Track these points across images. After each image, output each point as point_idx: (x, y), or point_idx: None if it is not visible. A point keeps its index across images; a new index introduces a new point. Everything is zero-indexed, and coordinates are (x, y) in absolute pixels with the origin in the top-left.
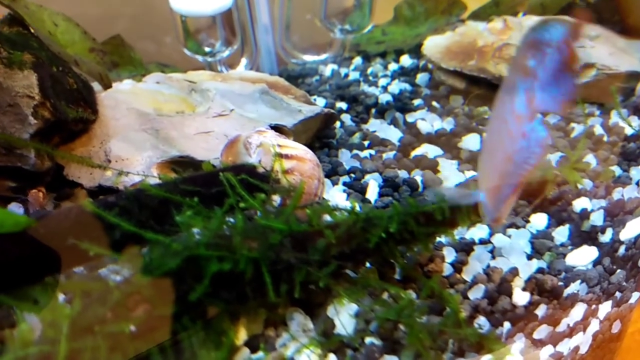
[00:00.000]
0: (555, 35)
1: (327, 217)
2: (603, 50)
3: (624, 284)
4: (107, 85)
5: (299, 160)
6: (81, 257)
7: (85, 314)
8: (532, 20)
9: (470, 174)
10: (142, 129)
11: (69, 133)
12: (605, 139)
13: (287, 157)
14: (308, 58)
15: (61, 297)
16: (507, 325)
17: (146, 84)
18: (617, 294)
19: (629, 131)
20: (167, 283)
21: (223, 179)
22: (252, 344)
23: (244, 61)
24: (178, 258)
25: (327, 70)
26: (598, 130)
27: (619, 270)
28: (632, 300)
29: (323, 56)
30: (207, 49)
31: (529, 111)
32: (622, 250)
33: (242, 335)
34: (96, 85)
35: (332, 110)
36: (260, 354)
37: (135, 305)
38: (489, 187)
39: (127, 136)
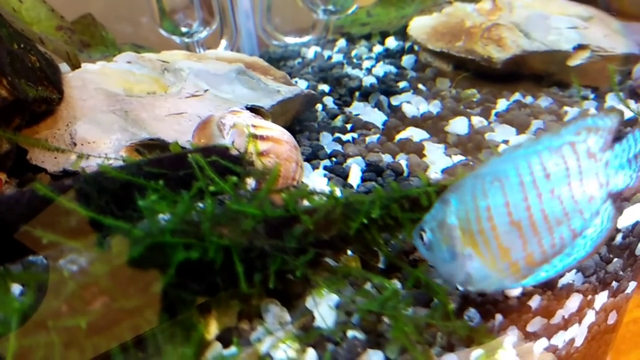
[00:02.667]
0: None
1: (305, 203)
2: (597, 32)
3: (621, 273)
4: (75, 65)
5: (275, 142)
6: (36, 245)
7: (37, 308)
8: (523, 0)
9: (457, 158)
10: (111, 110)
11: (32, 115)
12: None
13: (262, 138)
14: (290, 40)
15: (17, 288)
16: (498, 317)
17: (116, 64)
18: (614, 284)
19: (625, 115)
20: (128, 273)
21: (192, 160)
22: (224, 338)
23: (223, 43)
24: (140, 246)
25: (310, 52)
26: (593, 114)
27: (615, 259)
28: (628, 290)
29: (306, 38)
30: (183, 30)
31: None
32: (619, 238)
33: (213, 329)
34: (66, 67)
35: (313, 92)
36: (233, 348)
37: (92, 298)
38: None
39: (95, 118)
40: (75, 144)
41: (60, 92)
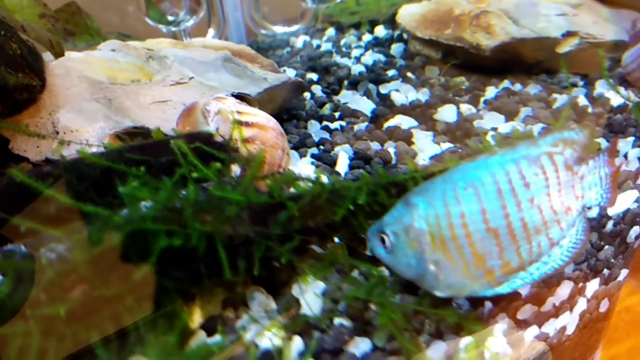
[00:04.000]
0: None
1: (291, 190)
2: (586, 19)
3: (612, 260)
4: (58, 54)
5: (261, 129)
6: (14, 233)
7: (14, 296)
8: None
9: (446, 145)
10: (94, 99)
11: (14, 103)
12: (589, 110)
13: (247, 124)
14: (279, 29)
15: None
16: (488, 304)
17: (100, 52)
18: (605, 271)
19: (614, 102)
20: (109, 261)
21: (174, 147)
22: (209, 327)
23: (211, 32)
24: (121, 233)
25: (299, 41)
26: (582, 101)
27: (607, 247)
28: (620, 278)
29: (294, 27)
30: (170, 18)
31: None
32: (610, 225)
33: (197, 318)
34: (50, 56)
35: (301, 79)
36: (217, 337)
37: (71, 286)
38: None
39: (78, 106)
40: (57, 133)
41: (42, 79)
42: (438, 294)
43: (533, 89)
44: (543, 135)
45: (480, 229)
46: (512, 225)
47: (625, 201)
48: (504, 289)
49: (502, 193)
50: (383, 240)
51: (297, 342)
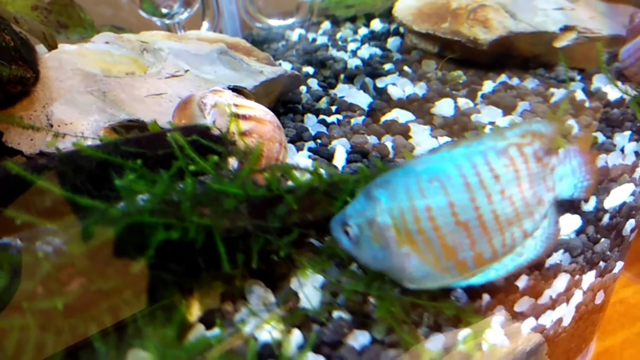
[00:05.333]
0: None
1: (289, 183)
2: (584, 14)
3: (608, 253)
4: (51, 46)
5: (258, 122)
6: (9, 226)
7: (11, 289)
8: None
9: (443, 139)
10: (88, 91)
11: (7, 96)
12: (587, 104)
13: (244, 117)
14: (274, 23)
15: None
16: (486, 297)
17: (94, 44)
18: (601, 264)
19: (611, 97)
20: (106, 254)
21: (171, 140)
22: (207, 320)
23: (205, 25)
24: (118, 226)
25: (294, 35)
26: (579, 95)
27: (603, 239)
28: (615, 270)
29: (289, 21)
30: (164, 11)
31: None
32: (606, 218)
33: (195, 311)
34: (42, 48)
35: (297, 73)
36: (216, 330)
37: (69, 279)
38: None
39: (72, 99)
40: (52, 126)
41: (35, 71)
42: (408, 285)
43: (530, 83)
44: (510, 127)
45: (449, 222)
46: (483, 217)
47: (621, 194)
48: (477, 280)
49: (471, 186)
50: (347, 232)
51: (296, 335)
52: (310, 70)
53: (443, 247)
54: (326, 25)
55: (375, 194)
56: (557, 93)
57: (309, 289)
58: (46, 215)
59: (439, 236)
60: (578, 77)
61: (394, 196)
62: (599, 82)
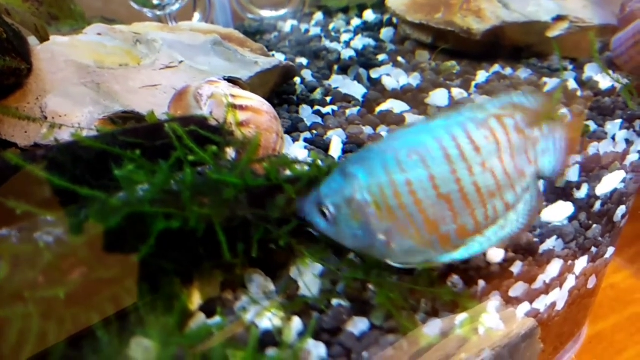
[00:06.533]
0: None
1: (287, 173)
2: (576, 3)
3: (600, 239)
4: (43, 38)
5: (255, 112)
6: (8, 216)
7: (13, 279)
8: None
9: None
10: (82, 83)
11: (1, 88)
12: (579, 93)
13: (241, 108)
14: (266, 14)
15: None
16: (481, 283)
17: (86, 36)
18: (593, 249)
19: (603, 85)
20: (107, 243)
21: (169, 130)
22: (208, 308)
23: (196, 16)
24: (119, 215)
25: (287, 26)
26: (571, 84)
27: (595, 226)
28: (607, 255)
29: (282, 12)
30: (155, 2)
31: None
32: (597, 205)
33: (196, 300)
34: (34, 41)
35: (291, 63)
36: (217, 318)
37: (70, 269)
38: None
39: (66, 91)
40: (46, 118)
41: (28, 63)
42: (391, 263)
43: (523, 73)
44: (491, 100)
45: (430, 196)
46: (465, 189)
47: (612, 182)
48: (461, 254)
49: (451, 158)
50: (323, 213)
51: (297, 323)
52: (303, 61)
53: (425, 221)
54: (318, 16)
55: (352, 171)
56: (550, 82)
57: (308, 277)
58: (45, 206)
59: (420, 210)
60: (570, 67)
61: (372, 172)
62: (590, 71)
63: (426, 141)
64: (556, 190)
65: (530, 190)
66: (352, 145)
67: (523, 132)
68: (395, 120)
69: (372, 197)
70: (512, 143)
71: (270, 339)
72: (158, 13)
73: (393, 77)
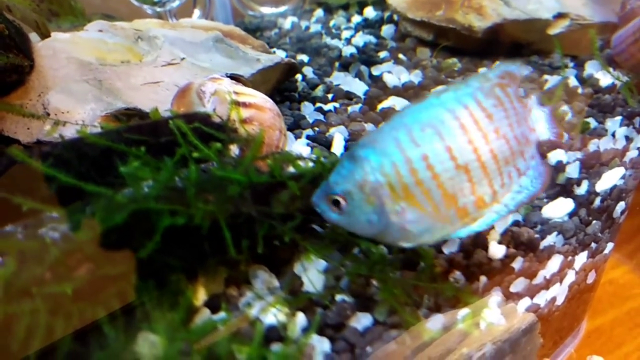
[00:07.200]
0: None
1: (291, 170)
2: (577, 0)
3: (599, 234)
4: (44, 35)
5: (258, 109)
6: (14, 213)
7: (21, 275)
8: None
9: None
10: (84, 80)
11: (3, 85)
12: (579, 90)
13: (244, 105)
14: (266, 10)
15: None
16: (483, 279)
17: (88, 33)
18: (593, 245)
19: (603, 83)
20: (113, 240)
21: (173, 127)
22: (213, 304)
23: (196, 13)
24: (124, 212)
25: (287, 23)
26: (572, 82)
27: (594, 222)
28: (606, 251)
29: (282, 8)
30: None
31: None
32: (597, 201)
33: (201, 296)
34: (35, 37)
35: (293, 60)
36: (222, 314)
37: (77, 265)
38: None
39: (67, 87)
40: (48, 114)
41: (30, 60)
42: (405, 245)
43: (524, 70)
44: (491, 69)
45: (448, 168)
46: (482, 158)
47: (612, 178)
48: (480, 226)
49: (466, 127)
50: (335, 203)
51: (301, 318)
52: (304, 58)
53: (444, 195)
54: (319, 12)
55: (362, 154)
56: (551, 80)
57: (312, 273)
58: (52, 202)
59: (438, 185)
60: (571, 64)
61: (384, 152)
62: (591, 68)
63: (439, 114)
64: (557, 187)
65: (535, 157)
66: (354, 142)
67: (522, 100)
68: None
69: (386, 178)
70: (517, 110)
71: (275, 334)
72: (158, 10)
73: (394, 74)
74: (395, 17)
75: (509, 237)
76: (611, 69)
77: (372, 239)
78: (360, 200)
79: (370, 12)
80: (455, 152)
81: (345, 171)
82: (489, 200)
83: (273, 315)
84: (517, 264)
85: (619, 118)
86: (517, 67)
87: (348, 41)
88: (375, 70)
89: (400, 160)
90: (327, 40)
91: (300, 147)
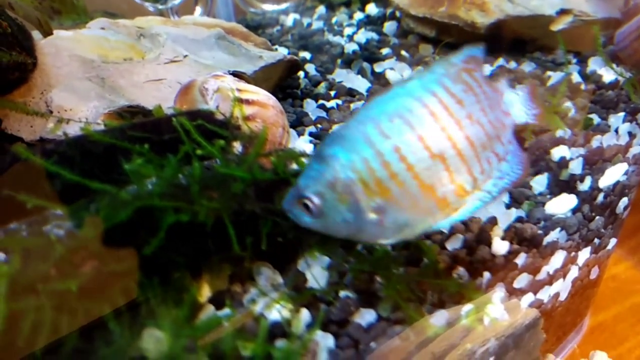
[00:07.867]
0: None
1: (294, 167)
2: None
3: (603, 230)
4: (47, 32)
5: (261, 106)
6: (19, 211)
7: (26, 272)
8: None
9: None
10: (87, 78)
11: (5, 83)
12: (582, 87)
13: (247, 102)
14: (268, 7)
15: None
16: (486, 275)
17: (90, 30)
18: (596, 241)
19: (606, 79)
20: (118, 237)
21: (177, 124)
22: (217, 301)
23: (198, 10)
24: (129, 209)
25: (289, 20)
26: (575, 78)
27: (597, 217)
28: (609, 247)
29: (284, 5)
30: None
31: None
32: (600, 197)
33: (205, 292)
34: (37, 35)
35: (296, 57)
36: (226, 310)
37: (82, 262)
38: None
39: (70, 85)
40: (51, 112)
41: (33, 58)
42: (385, 242)
43: (527, 66)
44: (455, 54)
45: (423, 158)
46: (458, 145)
47: (615, 174)
48: (463, 214)
49: (437, 114)
50: (306, 206)
51: (305, 315)
52: (307, 55)
53: (421, 186)
54: (321, 9)
55: (330, 153)
56: (554, 76)
57: (316, 269)
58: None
59: (414, 176)
60: (574, 60)
61: (353, 148)
62: (594, 64)
63: (406, 103)
64: (560, 183)
65: (512, 142)
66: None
67: (492, 83)
68: None
69: (357, 174)
70: (488, 95)
71: (279, 330)
72: (160, 7)
73: (397, 71)
74: (397, 13)
75: (512, 233)
76: (614, 65)
77: (350, 240)
78: (333, 200)
79: (372, 8)
80: (429, 140)
81: (314, 172)
82: (469, 188)
83: (277, 312)
84: (521, 259)
85: (622, 114)
86: (480, 50)
87: (350, 38)
88: (378, 67)
89: (371, 154)
90: (330, 37)
91: (303, 144)
